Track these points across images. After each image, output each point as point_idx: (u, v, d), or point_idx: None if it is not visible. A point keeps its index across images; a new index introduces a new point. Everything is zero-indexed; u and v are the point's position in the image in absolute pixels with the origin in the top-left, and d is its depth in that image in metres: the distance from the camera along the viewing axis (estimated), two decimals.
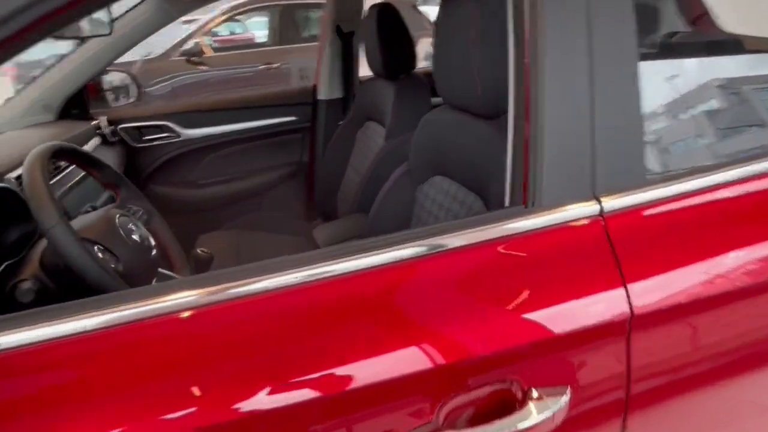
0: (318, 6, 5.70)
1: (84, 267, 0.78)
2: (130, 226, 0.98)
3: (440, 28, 1.10)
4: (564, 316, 0.64)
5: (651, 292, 0.66)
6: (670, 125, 0.77)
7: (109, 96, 1.98)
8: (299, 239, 1.96)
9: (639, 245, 0.68)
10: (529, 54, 0.69)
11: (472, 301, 0.64)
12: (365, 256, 0.62)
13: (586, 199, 0.69)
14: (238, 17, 6.03)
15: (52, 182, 1.18)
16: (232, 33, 6.59)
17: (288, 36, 5.74)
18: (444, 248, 0.65)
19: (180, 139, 2.00)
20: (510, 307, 0.64)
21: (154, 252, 1.00)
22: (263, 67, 5.33)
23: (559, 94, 0.68)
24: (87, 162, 1.04)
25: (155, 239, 1.15)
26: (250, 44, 6.24)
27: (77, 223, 0.92)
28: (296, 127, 2.15)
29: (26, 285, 0.81)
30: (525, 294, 0.64)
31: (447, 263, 0.64)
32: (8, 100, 1.71)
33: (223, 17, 5.67)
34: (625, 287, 0.65)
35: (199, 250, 1.36)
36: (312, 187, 2.25)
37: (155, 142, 1.97)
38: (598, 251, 0.67)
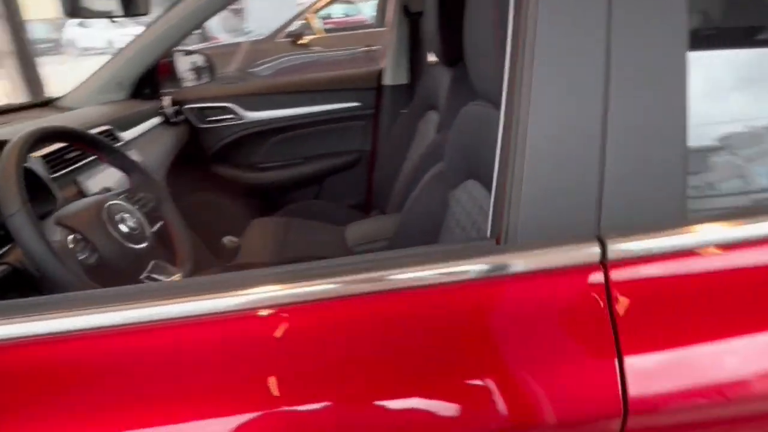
0: None
1: (39, 258, 0.75)
2: (123, 215, 0.94)
3: (468, 4, 0.93)
4: (529, 407, 0.47)
5: (657, 379, 0.47)
6: (728, 141, 0.55)
7: (182, 77, 2.03)
8: (334, 228, 1.87)
9: (653, 311, 0.49)
10: (522, 24, 0.51)
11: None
12: (243, 294, 0.51)
13: (584, 239, 0.50)
14: None
15: (72, 167, 1.18)
16: (346, 15, 6.66)
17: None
18: (382, 286, 0.51)
19: (243, 121, 2.00)
20: (431, 391, 0.48)
21: (145, 244, 0.96)
22: (363, 49, 5.29)
23: (556, 80, 0.49)
24: (93, 146, 1.02)
25: (164, 229, 1.12)
26: (360, 26, 6.26)
27: (67, 209, 0.90)
28: (360, 113, 2.06)
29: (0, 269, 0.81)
30: (466, 370, 0.48)
31: (371, 309, 0.50)
32: (90, 76, 1.81)
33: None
34: (621, 372, 0.46)
35: (226, 240, 1.32)
36: (372, 178, 2.15)
37: (218, 124, 1.99)
38: (589, 315, 0.48)
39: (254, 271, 0.57)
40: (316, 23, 5.52)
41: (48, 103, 1.75)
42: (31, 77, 7.15)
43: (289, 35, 5.27)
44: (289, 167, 2.09)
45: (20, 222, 0.75)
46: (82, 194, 1.19)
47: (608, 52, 0.49)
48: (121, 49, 1.78)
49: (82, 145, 1.00)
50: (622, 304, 0.48)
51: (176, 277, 1.03)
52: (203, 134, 1.99)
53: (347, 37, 5.61)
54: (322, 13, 5.83)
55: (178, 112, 1.86)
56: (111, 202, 0.94)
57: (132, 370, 0.51)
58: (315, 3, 5.61)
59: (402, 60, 1.94)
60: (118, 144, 1.43)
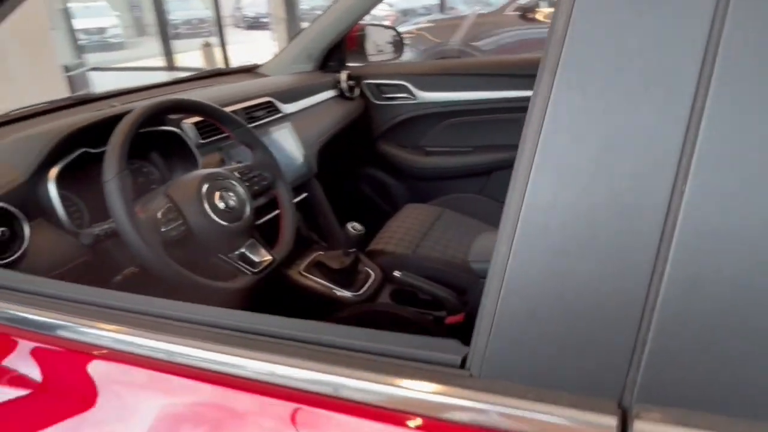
0: None
1: (118, 227, 0.80)
2: (225, 192, 0.96)
3: None
4: None
5: None
6: None
7: (369, 51, 2.04)
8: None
9: None
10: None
11: None
12: None
13: (604, 408, 0.29)
14: None
15: (219, 135, 1.26)
16: None
17: None
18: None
19: (415, 101, 1.92)
20: None
21: (239, 222, 0.97)
22: None
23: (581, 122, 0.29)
24: (219, 119, 1.06)
25: (278, 208, 1.12)
26: None
27: (176, 180, 0.96)
28: None
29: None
30: None
31: None
32: (287, 46, 1.94)
33: None
34: None
35: (350, 226, 1.29)
36: None
37: (393, 101, 1.95)
38: None
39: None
40: None
41: (252, 69, 1.94)
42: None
43: (518, 9, 4.97)
44: (456, 155, 1.95)
45: (111, 189, 0.81)
46: (223, 162, 1.27)
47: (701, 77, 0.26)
48: (315, 20, 1.85)
49: (209, 117, 1.05)
50: None
51: (266, 259, 1.03)
52: (377, 110, 1.98)
53: None
54: None
55: (352, 87, 1.88)
56: (216, 178, 0.97)
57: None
58: None
59: None
60: (278, 116, 1.50)
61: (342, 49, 1.91)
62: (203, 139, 1.25)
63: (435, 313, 1.33)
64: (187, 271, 0.86)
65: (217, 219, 0.94)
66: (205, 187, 0.94)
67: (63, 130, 0.93)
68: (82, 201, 0.99)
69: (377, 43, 2.06)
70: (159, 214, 0.88)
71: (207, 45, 9.40)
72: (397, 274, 1.29)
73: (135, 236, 0.80)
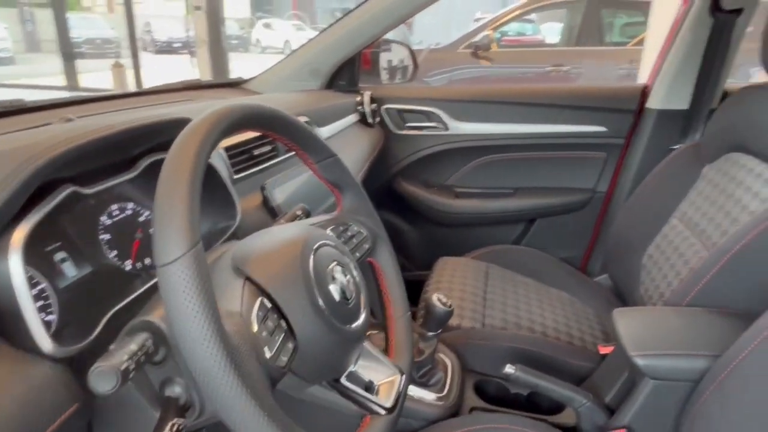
0: (635, 6, 4.82)
1: (203, 364, 0.36)
2: (335, 267, 0.54)
3: None
4: None
5: None
6: None
7: (383, 72, 1.69)
8: (565, 295, 1.37)
9: None
10: None
11: None
12: None
13: None
14: (530, 16, 5.56)
15: (259, 167, 0.84)
16: (520, 33, 6.17)
17: (585, 38, 4.99)
18: None
19: (447, 132, 1.59)
20: None
21: (360, 321, 0.55)
22: (551, 68, 4.72)
23: None
24: (304, 141, 0.64)
25: (376, 287, 0.71)
26: (537, 45, 5.74)
27: (250, 245, 0.53)
28: (603, 141, 1.53)
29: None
30: None
31: None
32: (282, 61, 1.54)
33: (517, 12, 5.23)
34: None
35: (435, 298, 0.89)
36: (600, 229, 1.60)
37: (418, 132, 1.60)
38: None
39: None
40: (494, 36, 5.07)
41: (236, 84, 1.50)
42: (220, 66, 7.74)
43: (470, 46, 4.89)
44: (494, 198, 1.63)
45: (178, 280, 0.37)
46: (270, 210, 0.84)
47: None
48: (319, 34, 1.48)
49: (289, 141, 0.62)
50: None
51: (388, 380, 0.61)
52: (398, 141, 1.62)
53: (535, 54, 5.08)
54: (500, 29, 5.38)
55: (375, 112, 1.51)
56: (319, 244, 0.55)
57: None
58: (499, 18, 5.17)
59: (686, 76, 1.38)
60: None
61: (356, 66, 1.54)
62: (237, 172, 0.81)
63: (561, 421, 0.96)
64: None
65: (335, 321, 0.51)
66: (311, 264, 0.52)
67: (35, 157, 0.47)
68: (54, 287, 0.52)
69: (393, 63, 1.72)
70: (254, 324, 0.44)
71: (118, 65, 8.52)
72: (510, 369, 0.91)
73: (234, 382, 0.36)
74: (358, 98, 1.48)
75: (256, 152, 0.86)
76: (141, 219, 0.65)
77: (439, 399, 0.95)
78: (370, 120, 1.49)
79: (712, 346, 0.78)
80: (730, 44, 1.30)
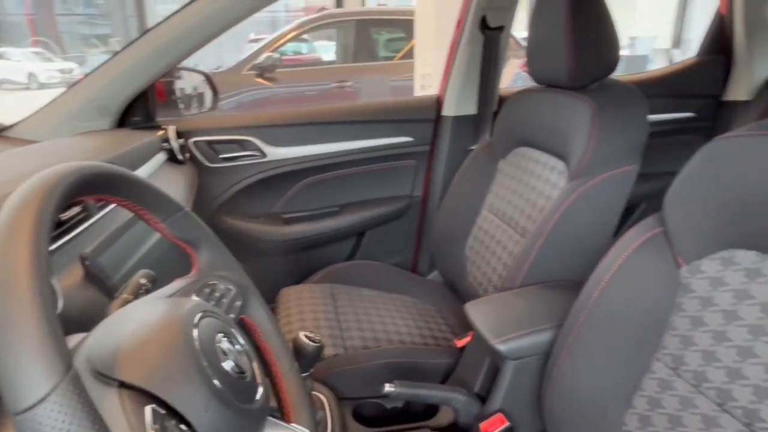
0: (394, 24, 5.33)
1: None
2: (222, 339, 0.47)
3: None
4: None
5: None
6: None
7: (180, 102, 1.56)
8: (407, 299, 1.44)
9: None
10: None
11: None
12: None
13: None
14: (305, 35, 5.73)
15: (71, 234, 0.70)
16: (297, 53, 6.33)
17: (360, 55, 5.36)
18: None
19: (265, 159, 1.53)
20: None
21: (260, 393, 0.49)
22: (335, 85, 4.94)
23: None
24: (146, 201, 0.55)
25: (256, 341, 0.64)
26: (316, 63, 5.96)
27: (103, 342, 0.42)
28: (411, 150, 1.65)
29: None
30: None
31: None
32: (53, 101, 1.29)
33: (293, 33, 5.35)
34: None
35: (303, 335, 0.85)
36: (422, 231, 1.73)
37: (234, 162, 1.52)
38: None
39: None
40: (274, 57, 5.12)
41: None
42: None
43: (254, 68, 4.83)
44: (322, 218, 1.63)
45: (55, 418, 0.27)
46: (101, 285, 0.69)
47: None
48: (99, 66, 1.29)
49: (130, 202, 0.51)
50: None
51: None
52: (212, 176, 1.50)
53: (318, 72, 5.26)
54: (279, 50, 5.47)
55: (183, 147, 1.38)
56: (200, 313, 0.47)
57: None
58: (275, 40, 5.22)
59: (470, 85, 1.57)
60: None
61: (150, 99, 1.39)
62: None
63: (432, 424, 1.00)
64: None
65: (237, 403, 0.44)
66: (197, 344, 0.44)
67: None
68: None
69: (186, 92, 1.60)
70: None
71: None
72: (390, 388, 0.92)
73: None
74: (161, 134, 1.33)
75: (63, 217, 0.71)
76: None
77: None
78: (180, 157, 1.35)
79: (554, 317, 0.90)
80: (498, 56, 1.52)
